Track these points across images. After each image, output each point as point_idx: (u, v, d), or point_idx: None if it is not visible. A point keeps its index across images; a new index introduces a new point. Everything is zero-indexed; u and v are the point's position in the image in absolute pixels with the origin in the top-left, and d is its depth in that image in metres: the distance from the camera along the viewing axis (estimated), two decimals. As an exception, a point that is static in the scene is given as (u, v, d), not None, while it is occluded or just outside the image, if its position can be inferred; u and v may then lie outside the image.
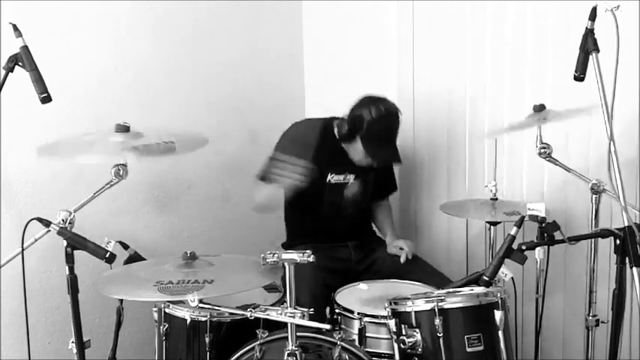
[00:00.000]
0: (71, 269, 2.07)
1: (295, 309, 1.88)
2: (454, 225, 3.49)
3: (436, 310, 2.09)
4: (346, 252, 3.01)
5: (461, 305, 2.13)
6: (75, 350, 2.13)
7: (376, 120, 2.80)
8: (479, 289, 2.15)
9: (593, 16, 2.04)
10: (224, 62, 3.42)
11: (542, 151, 2.60)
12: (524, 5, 3.14)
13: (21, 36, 2.03)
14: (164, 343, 2.34)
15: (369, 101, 2.84)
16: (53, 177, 2.68)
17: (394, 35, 3.54)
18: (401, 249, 2.94)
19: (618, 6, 1.93)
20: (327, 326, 1.91)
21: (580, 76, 2.12)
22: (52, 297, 2.71)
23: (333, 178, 2.96)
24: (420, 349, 2.11)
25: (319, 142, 2.95)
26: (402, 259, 2.91)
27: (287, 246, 3.09)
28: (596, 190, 2.49)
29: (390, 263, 2.95)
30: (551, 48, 3.08)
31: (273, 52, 3.70)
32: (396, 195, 3.60)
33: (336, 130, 2.92)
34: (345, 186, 2.99)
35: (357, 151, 2.88)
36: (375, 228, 3.27)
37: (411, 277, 2.79)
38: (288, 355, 1.90)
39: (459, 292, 2.20)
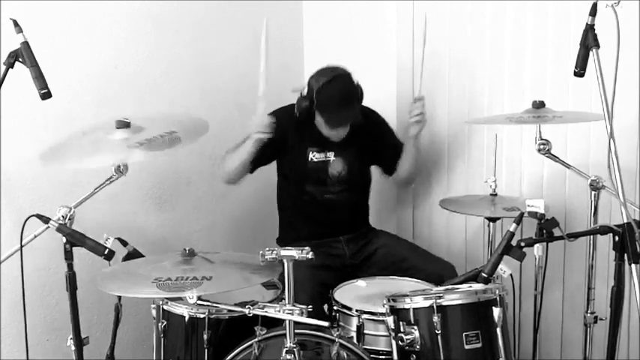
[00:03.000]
0: (70, 266, 2.08)
1: (294, 306, 1.88)
2: (453, 221, 3.49)
3: (434, 307, 2.08)
4: (339, 247, 3.01)
5: (459, 302, 2.12)
6: (73, 347, 2.14)
7: (323, 86, 2.84)
8: (477, 286, 2.15)
9: (593, 11, 2.04)
10: (224, 60, 3.42)
11: (542, 147, 2.59)
12: (524, 4, 3.14)
13: (21, 32, 2.02)
14: (162, 340, 2.33)
15: (316, 73, 2.92)
16: (53, 173, 2.68)
17: (394, 35, 3.54)
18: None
19: (619, 1, 1.93)
20: (326, 323, 1.91)
21: (580, 71, 2.12)
22: (50, 294, 2.70)
23: (314, 156, 2.98)
24: (418, 347, 2.11)
25: (298, 123, 2.95)
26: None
27: (280, 241, 3.10)
28: (595, 187, 2.49)
29: (388, 255, 2.96)
30: (551, 44, 3.08)
31: (273, 50, 3.69)
32: (395, 190, 3.61)
33: (296, 109, 2.91)
34: (328, 164, 2.99)
35: (320, 124, 2.92)
36: (369, 221, 3.26)
37: (410, 266, 2.80)
38: (287, 352, 1.91)
39: (457, 289, 2.20)
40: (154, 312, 2.37)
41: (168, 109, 3.12)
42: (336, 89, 2.86)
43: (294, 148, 2.98)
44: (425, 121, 2.99)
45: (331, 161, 2.99)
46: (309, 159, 2.97)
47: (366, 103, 2.99)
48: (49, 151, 2.25)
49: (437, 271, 2.76)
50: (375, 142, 3.11)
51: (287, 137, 2.96)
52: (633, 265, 1.97)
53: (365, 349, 2.26)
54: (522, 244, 2.08)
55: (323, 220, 3.01)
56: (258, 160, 2.93)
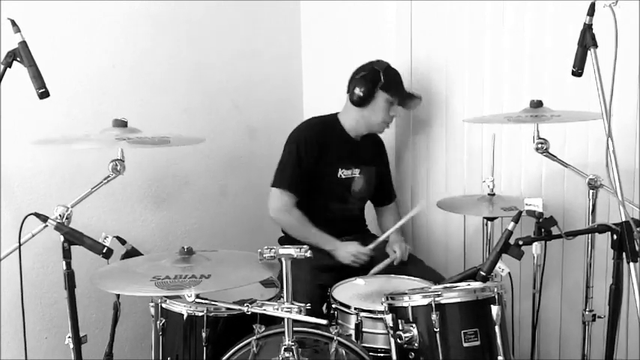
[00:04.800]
0: (68, 264, 2.07)
1: (292, 304, 1.88)
2: (451, 220, 3.50)
3: (433, 305, 2.08)
4: None
5: (458, 300, 2.12)
6: (71, 345, 2.14)
7: (387, 67, 2.98)
8: (476, 284, 2.14)
9: (591, 11, 2.05)
10: (222, 58, 3.42)
11: (540, 146, 2.59)
12: (524, 4, 3.15)
13: (19, 31, 2.02)
14: (161, 338, 2.33)
15: (367, 63, 3.01)
16: (51, 172, 2.68)
17: (393, 33, 3.54)
18: (394, 252, 2.96)
19: (617, 1, 1.94)
20: (324, 321, 1.91)
21: (578, 71, 2.12)
22: (48, 292, 2.70)
23: (343, 173, 3.02)
24: (416, 344, 2.11)
25: (328, 139, 3.01)
26: (395, 263, 2.93)
27: (283, 241, 3.09)
28: (594, 186, 2.48)
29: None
30: (549, 43, 3.08)
31: (271, 49, 3.70)
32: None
33: (349, 101, 3.00)
34: (353, 180, 3.05)
35: (378, 108, 2.98)
36: (368, 225, 3.29)
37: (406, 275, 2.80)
38: (285, 350, 1.90)
39: (455, 287, 2.19)
40: (152, 310, 2.37)
41: (167, 108, 3.12)
42: (396, 70, 3.03)
43: (324, 162, 2.99)
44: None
45: (356, 178, 3.05)
46: (339, 176, 3.01)
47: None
48: (43, 138, 2.34)
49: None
50: (384, 164, 3.28)
51: (321, 151, 2.98)
52: (632, 264, 1.97)
53: (363, 346, 2.26)
54: (520, 242, 2.08)
55: (331, 224, 3.01)
56: (302, 183, 2.97)
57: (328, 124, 3.07)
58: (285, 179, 2.93)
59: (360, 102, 2.96)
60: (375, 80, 2.94)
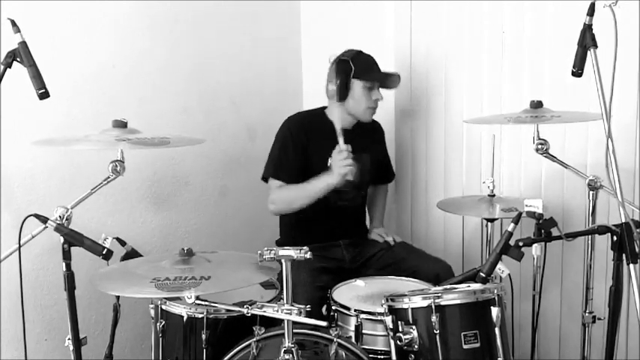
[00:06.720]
0: (68, 266, 2.07)
1: (292, 306, 1.88)
2: (451, 221, 3.50)
3: (433, 306, 2.08)
4: (339, 251, 3.00)
5: (458, 302, 2.12)
6: (71, 347, 2.14)
7: (357, 54, 2.95)
8: (476, 286, 2.14)
9: (591, 11, 2.05)
10: (221, 58, 3.42)
11: (540, 147, 2.59)
12: (523, 4, 3.15)
13: (19, 32, 2.02)
14: (161, 339, 2.33)
15: (337, 57, 2.97)
16: (51, 173, 2.68)
17: (392, 33, 3.54)
18: (380, 235, 3.07)
19: (616, 1, 1.94)
20: (324, 323, 1.91)
21: (578, 71, 2.12)
22: (48, 294, 2.70)
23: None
24: (416, 346, 2.11)
25: (315, 130, 2.98)
26: (390, 241, 3.05)
27: (281, 244, 3.08)
28: (593, 187, 2.48)
29: (386, 257, 2.97)
30: (549, 43, 3.09)
31: (271, 49, 3.70)
32: (393, 192, 3.61)
33: (329, 95, 2.97)
34: None
35: (358, 97, 2.92)
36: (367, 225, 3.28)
37: (408, 266, 2.82)
38: (285, 352, 1.90)
39: (455, 288, 2.19)
40: (152, 312, 2.37)
41: (166, 108, 3.12)
42: (367, 55, 2.98)
43: (314, 155, 2.97)
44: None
45: None
46: (329, 165, 2.94)
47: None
48: (43, 139, 2.33)
49: (434, 271, 2.77)
50: (381, 151, 3.23)
51: (309, 143, 2.96)
52: (631, 265, 1.97)
53: (363, 348, 2.25)
54: (520, 243, 2.08)
55: (329, 225, 3.01)
56: (296, 170, 2.94)
57: (314, 116, 3.05)
58: (275, 168, 2.94)
59: (338, 96, 2.91)
60: (347, 70, 2.89)
